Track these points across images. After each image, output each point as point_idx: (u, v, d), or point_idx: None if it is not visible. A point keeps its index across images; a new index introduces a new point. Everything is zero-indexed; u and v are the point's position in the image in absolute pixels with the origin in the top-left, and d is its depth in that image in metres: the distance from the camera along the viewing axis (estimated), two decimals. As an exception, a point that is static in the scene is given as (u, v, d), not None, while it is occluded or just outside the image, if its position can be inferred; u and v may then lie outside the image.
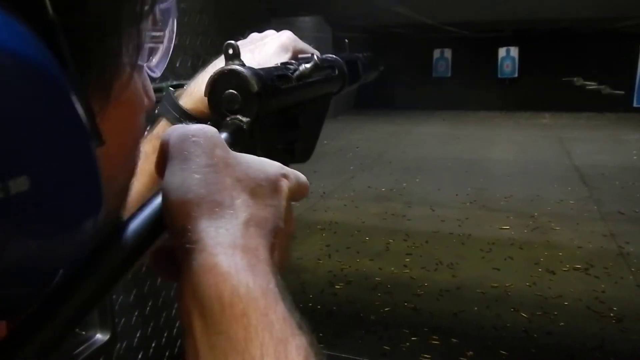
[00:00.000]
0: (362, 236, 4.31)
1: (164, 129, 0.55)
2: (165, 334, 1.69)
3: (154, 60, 0.37)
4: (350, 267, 3.70)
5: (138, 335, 1.56)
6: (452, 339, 2.74)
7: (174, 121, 0.55)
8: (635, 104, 8.33)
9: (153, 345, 1.63)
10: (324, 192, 5.55)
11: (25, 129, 0.22)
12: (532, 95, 12.66)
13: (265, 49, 0.57)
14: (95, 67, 0.28)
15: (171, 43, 0.36)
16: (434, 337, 2.77)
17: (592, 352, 2.62)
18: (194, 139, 0.35)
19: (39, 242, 0.24)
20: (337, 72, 0.62)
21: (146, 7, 0.30)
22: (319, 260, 3.81)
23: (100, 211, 0.27)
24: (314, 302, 3.14)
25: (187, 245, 0.33)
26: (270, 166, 0.38)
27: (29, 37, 0.23)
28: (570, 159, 7.40)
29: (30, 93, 0.22)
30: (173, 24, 0.37)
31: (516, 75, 13.07)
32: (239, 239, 0.33)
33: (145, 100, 0.36)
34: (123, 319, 1.47)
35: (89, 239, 0.27)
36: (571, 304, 3.12)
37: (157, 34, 0.35)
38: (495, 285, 3.37)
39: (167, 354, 1.68)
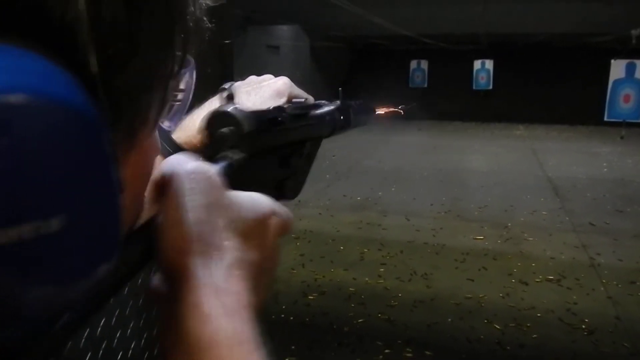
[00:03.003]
0: (336, 245, 4.28)
1: (158, 161, 0.58)
2: (132, 344, 1.66)
3: (171, 114, 0.41)
4: (324, 277, 3.65)
5: (103, 346, 1.52)
6: (426, 351, 2.71)
7: (167, 154, 0.58)
8: (606, 118, 8.56)
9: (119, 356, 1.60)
10: (299, 201, 5.48)
11: (65, 173, 0.23)
12: (506, 106, 12.90)
13: (261, 92, 0.60)
14: (126, 119, 0.29)
15: (187, 101, 0.39)
16: (408, 349, 2.73)
17: (564, 365, 2.62)
18: (192, 176, 0.37)
19: (58, 284, 0.24)
20: (327, 117, 0.66)
21: (175, 70, 0.34)
22: (293, 270, 3.76)
23: (115, 258, 0.28)
24: (286, 313, 3.08)
25: (174, 281, 0.35)
26: (261, 204, 0.40)
27: (77, 88, 0.24)
28: (543, 170, 7.50)
29: (75, 140, 0.23)
30: (192, 85, 0.40)
31: (491, 87, 13.32)
32: (223, 283, 0.35)
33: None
34: (87, 331, 1.43)
35: (96, 285, 0.27)
36: (544, 315, 3.13)
37: (178, 92, 0.39)
38: (469, 296, 3.36)
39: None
